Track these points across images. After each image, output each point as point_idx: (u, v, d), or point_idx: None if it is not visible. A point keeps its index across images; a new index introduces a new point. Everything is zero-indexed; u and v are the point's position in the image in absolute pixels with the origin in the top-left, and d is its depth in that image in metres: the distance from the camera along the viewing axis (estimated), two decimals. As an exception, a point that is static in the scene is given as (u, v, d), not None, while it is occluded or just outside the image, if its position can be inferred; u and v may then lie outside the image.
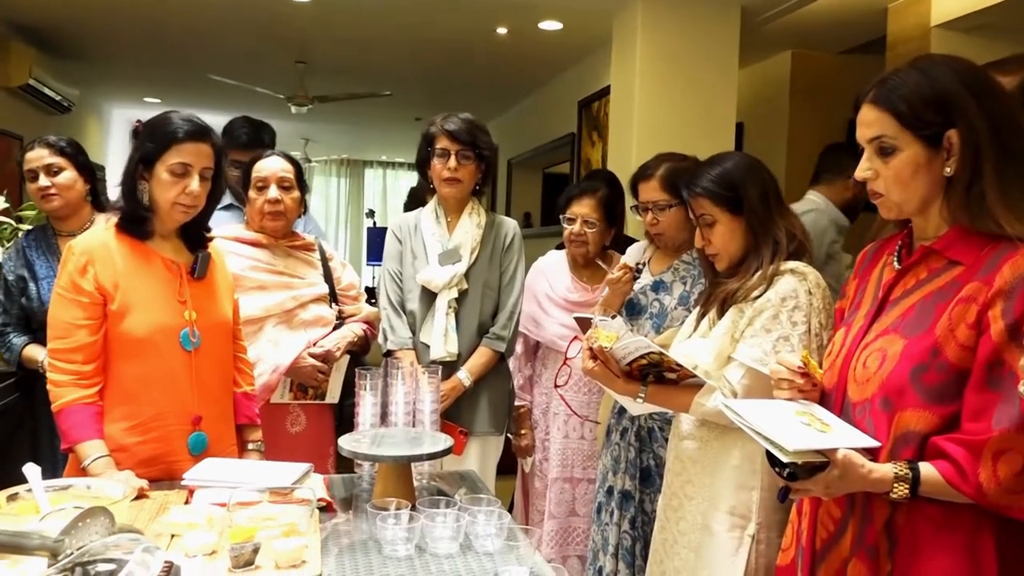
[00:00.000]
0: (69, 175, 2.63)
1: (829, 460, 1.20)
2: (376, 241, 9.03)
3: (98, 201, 2.74)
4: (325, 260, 2.56)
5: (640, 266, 2.49)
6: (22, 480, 1.53)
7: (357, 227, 12.12)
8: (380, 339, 2.60)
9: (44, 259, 2.61)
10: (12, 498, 1.51)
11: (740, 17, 4.16)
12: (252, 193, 2.41)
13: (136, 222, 1.89)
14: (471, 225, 2.56)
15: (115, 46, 6.04)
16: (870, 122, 1.30)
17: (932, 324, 1.24)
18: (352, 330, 2.52)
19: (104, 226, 1.93)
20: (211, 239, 2.04)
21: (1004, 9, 3.59)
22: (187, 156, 1.84)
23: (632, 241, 2.82)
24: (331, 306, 2.51)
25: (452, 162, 2.48)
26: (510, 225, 2.64)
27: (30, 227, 3.01)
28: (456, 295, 2.52)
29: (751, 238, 1.86)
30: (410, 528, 1.50)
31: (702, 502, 1.85)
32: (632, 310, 2.42)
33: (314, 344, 2.41)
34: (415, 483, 1.82)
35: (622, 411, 2.36)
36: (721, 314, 1.85)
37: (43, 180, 2.59)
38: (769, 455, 1.25)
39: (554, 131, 6.31)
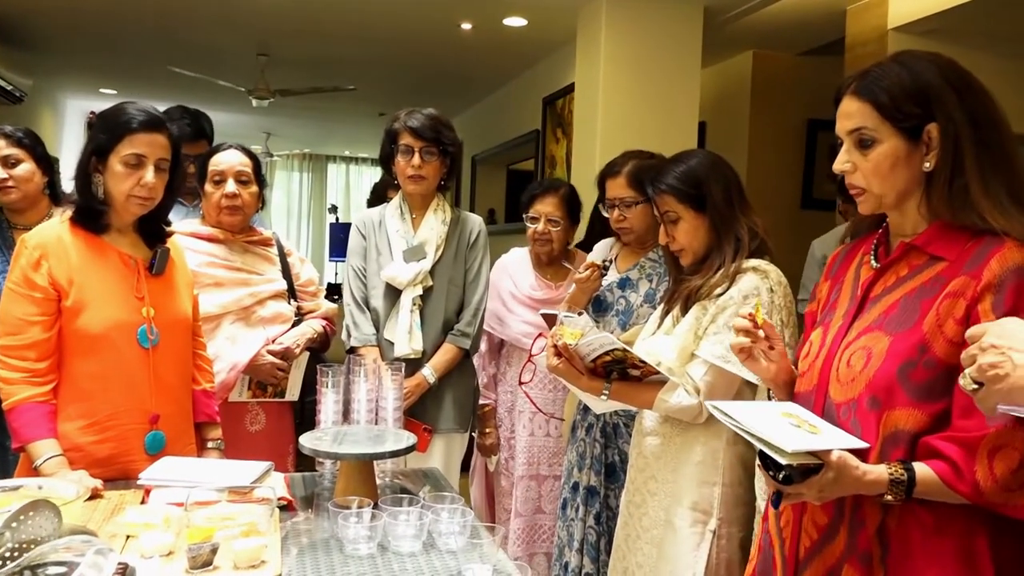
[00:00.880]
0: (27, 167, 2.57)
1: (823, 462, 1.17)
2: (339, 237, 8.95)
3: (55, 194, 2.67)
4: (283, 256, 2.52)
5: (607, 263, 2.51)
6: (-30, 481, 1.49)
7: (319, 223, 12.02)
8: (344, 336, 2.58)
9: (-2, 253, 2.54)
10: (-41, 500, 1.47)
11: (703, 17, 4.21)
12: (209, 187, 2.36)
13: (91, 216, 1.84)
14: (436, 222, 2.55)
15: (70, 35, 5.89)
16: (851, 113, 1.29)
17: (918, 320, 1.22)
18: (311, 326, 2.49)
19: (59, 219, 1.88)
20: (171, 234, 2.00)
21: (959, 14, 3.68)
22: (141, 147, 1.80)
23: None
24: (290, 302, 2.48)
25: (416, 159, 2.46)
26: (475, 222, 2.64)
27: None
28: (421, 292, 2.50)
29: (714, 235, 1.88)
30: (372, 526, 1.49)
31: (664, 498, 1.87)
32: (598, 307, 2.44)
33: (273, 341, 2.38)
34: (378, 481, 1.80)
35: (587, 407, 2.37)
36: (684, 311, 1.87)
37: (0, 172, 2.53)
38: (763, 458, 1.21)
39: (518, 128, 6.31)
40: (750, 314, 1.40)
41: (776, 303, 1.79)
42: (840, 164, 1.31)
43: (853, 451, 1.20)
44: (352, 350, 2.52)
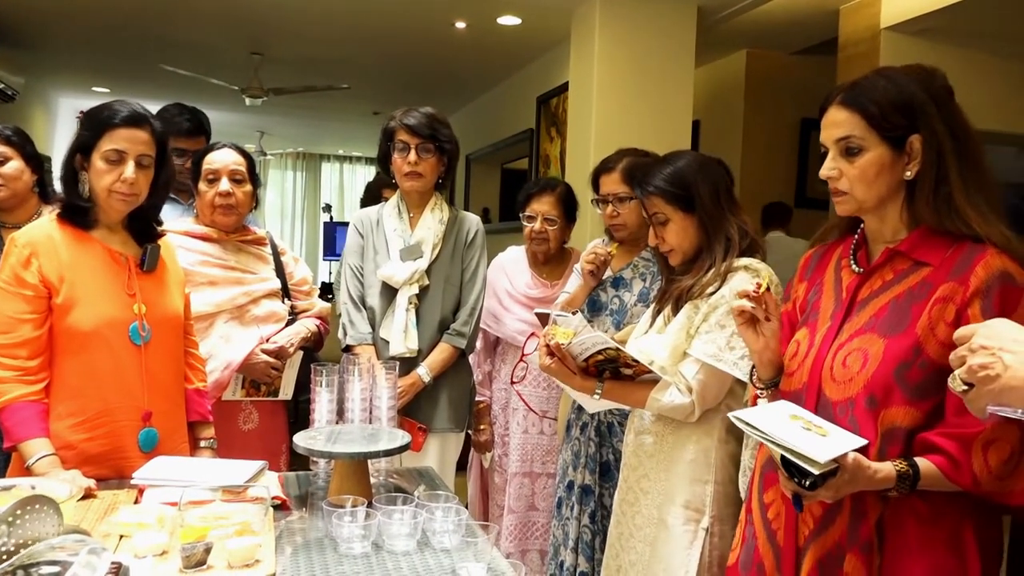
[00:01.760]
0: (16, 165, 2.56)
1: (839, 465, 1.22)
2: (333, 236, 8.95)
3: (45, 193, 2.66)
4: (277, 255, 2.52)
5: (611, 253, 2.51)
6: (-38, 481, 1.48)
7: (313, 222, 11.99)
8: (339, 334, 2.57)
9: (-13, 252, 2.53)
10: (-49, 499, 1.46)
11: (697, 16, 4.21)
12: (203, 186, 2.35)
13: (77, 212, 1.84)
14: (433, 221, 2.55)
15: (63, 33, 5.86)
16: (839, 122, 1.36)
17: (911, 324, 1.28)
18: (305, 325, 2.49)
19: (48, 217, 1.88)
20: (163, 233, 1.99)
21: (951, 13, 3.69)
22: (120, 142, 1.80)
23: None
24: (283, 301, 2.48)
25: (412, 156, 2.46)
26: (473, 221, 2.63)
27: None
28: (417, 291, 2.50)
29: (704, 235, 1.88)
30: (366, 525, 1.49)
31: (657, 496, 1.87)
32: (592, 307, 2.44)
33: (267, 340, 2.38)
34: (372, 480, 1.80)
35: (581, 406, 2.37)
36: (676, 310, 1.88)
37: None
38: (786, 464, 1.24)
39: (513, 127, 6.31)
40: (757, 283, 1.44)
41: (768, 301, 1.80)
42: (827, 171, 1.38)
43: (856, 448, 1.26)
44: (348, 348, 2.52)
